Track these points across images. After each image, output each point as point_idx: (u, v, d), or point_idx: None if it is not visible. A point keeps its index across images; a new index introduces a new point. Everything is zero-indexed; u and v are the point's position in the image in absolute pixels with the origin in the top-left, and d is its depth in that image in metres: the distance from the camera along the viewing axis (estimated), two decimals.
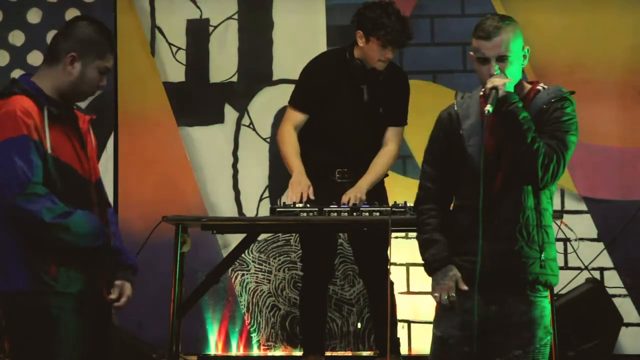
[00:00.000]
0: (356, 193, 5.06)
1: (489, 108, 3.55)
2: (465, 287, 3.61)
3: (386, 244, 4.86)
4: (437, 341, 3.68)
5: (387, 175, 5.33)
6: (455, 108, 3.75)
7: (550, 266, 3.67)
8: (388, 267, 4.77)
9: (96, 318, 3.60)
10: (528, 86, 3.77)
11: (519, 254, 3.60)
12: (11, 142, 3.41)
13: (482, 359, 3.62)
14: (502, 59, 3.64)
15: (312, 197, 5.01)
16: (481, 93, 3.68)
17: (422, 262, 3.72)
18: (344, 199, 5.04)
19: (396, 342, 5.40)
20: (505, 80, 3.60)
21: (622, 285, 6.08)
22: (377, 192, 5.20)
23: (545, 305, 3.67)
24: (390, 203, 4.86)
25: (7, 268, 3.44)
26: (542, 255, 3.63)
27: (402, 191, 5.30)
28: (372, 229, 4.79)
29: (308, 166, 5.24)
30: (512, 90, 3.60)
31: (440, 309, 3.68)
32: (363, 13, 5.15)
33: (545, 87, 3.73)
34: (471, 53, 3.72)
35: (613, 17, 6.17)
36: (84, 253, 3.50)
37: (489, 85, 3.60)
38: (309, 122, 5.30)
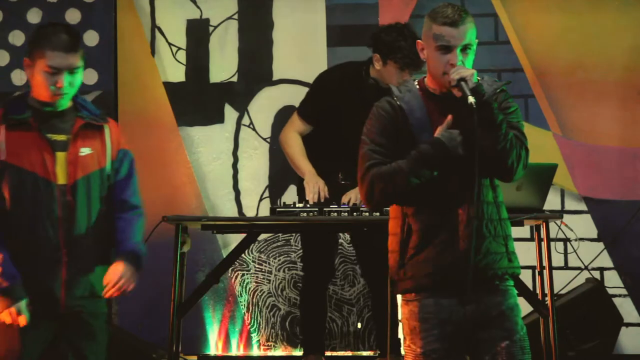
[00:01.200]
0: (357, 194, 5.06)
1: (473, 100, 3.36)
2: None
3: (377, 244, 4.86)
4: (419, 358, 3.50)
5: None
6: (397, 102, 3.53)
7: (515, 259, 3.57)
8: (389, 266, 4.75)
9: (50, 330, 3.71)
10: None
11: (488, 251, 3.48)
12: None
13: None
14: (466, 48, 3.47)
15: (327, 195, 5.02)
16: (417, 85, 3.54)
17: (424, 159, 3.43)
18: (344, 198, 5.05)
19: (397, 343, 5.40)
20: (472, 71, 3.43)
21: (622, 285, 6.09)
22: None
23: (514, 293, 3.56)
24: None
25: None
26: (508, 247, 3.53)
27: None
28: (374, 229, 4.79)
29: (316, 162, 5.26)
30: (477, 80, 3.43)
31: (414, 321, 3.51)
32: (379, 36, 5.10)
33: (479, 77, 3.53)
34: (419, 41, 3.54)
35: (613, 17, 6.17)
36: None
37: (455, 75, 3.41)
38: (316, 131, 5.31)
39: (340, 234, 5.83)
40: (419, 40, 3.56)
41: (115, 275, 3.79)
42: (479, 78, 3.47)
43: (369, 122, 3.58)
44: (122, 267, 3.82)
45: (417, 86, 3.56)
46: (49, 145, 3.73)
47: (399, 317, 5.48)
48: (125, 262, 3.83)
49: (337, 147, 5.24)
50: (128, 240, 3.88)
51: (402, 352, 5.56)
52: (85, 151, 3.79)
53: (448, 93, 3.49)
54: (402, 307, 3.58)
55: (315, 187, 5.06)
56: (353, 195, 5.06)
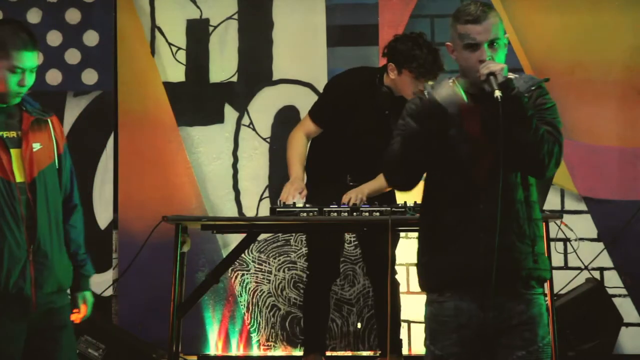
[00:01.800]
0: (357, 194, 5.06)
1: (499, 94, 3.35)
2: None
3: (392, 243, 4.87)
4: (436, 359, 3.51)
5: None
6: (433, 96, 3.50)
7: (542, 260, 3.52)
8: (389, 266, 4.76)
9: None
10: None
11: (511, 249, 3.44)
12: None
13: None
14: (493, 43, 3.46)
15: (302, 199, 5.00)
16: (451, 82, 3.53)
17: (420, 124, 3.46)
18: (345, 198, 5.05)
19: (399, 343, 5.40)
20: (502, 65, 3.43)
21: (622, 285, 6.08)
22: (387, 195, 5.19)
23: (542, 302, 3.53)
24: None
25: None
26: (535, 249, 3.48)
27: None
28: (380, 229, 4.79)
29: (321, 169, 5.26)
30: (507, 74, 3.43)
31: (435, 324, 3.52)
32: (394, 46, 5.10)
33: (513, 74, 3.54)
34: (449, 43, 3.54)
35: (613, 17, 6.17)
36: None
37: (484, 70, 3.41)
38: (326, 133, 5.31)
39: (346, 235, 5.83)
40: (448, 43, 3.56)
41: (86, 310, 3.91)
42: (515, 75, 3.49)
43: (400, 119, 3.59)
44: (90, 298, 3.93)
45: (452, 84, 3.56)
46: (3, 143, 3.69)
47: (401, 317, 5.52)
48: (88, 291, 3.94)
49: (346, 150, 5.25)
50: (81, 256, 3.93)
51: (403, 352, 5.60)
52: (36, 146, 3.74)
53: (480, 91, 3.48)
54: (425, 306, 3.58)
55: (289, 188, 5.05)
56: (353, 195, 5.06)
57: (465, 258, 3.45)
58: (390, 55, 5.11)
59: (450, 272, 3.48)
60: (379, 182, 5.14)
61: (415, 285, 5.80)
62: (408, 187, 3.62)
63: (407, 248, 5.53)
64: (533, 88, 3.54)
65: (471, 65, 3.47)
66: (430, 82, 3.66)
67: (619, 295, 6.03)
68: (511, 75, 3.47)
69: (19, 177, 3.68)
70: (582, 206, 6.15)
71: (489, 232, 3.40)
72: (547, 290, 4.78)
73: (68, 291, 3.90)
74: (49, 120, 3.82)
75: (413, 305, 5.69)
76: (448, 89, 3.54)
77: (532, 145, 3.42)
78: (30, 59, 3.69)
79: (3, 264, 3.65)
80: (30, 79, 3.72)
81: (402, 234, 5.49)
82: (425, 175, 3.58)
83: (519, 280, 3.47)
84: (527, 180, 3.53)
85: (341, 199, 5.04)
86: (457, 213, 3.46)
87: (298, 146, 5.26)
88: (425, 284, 3.58)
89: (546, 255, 3.57)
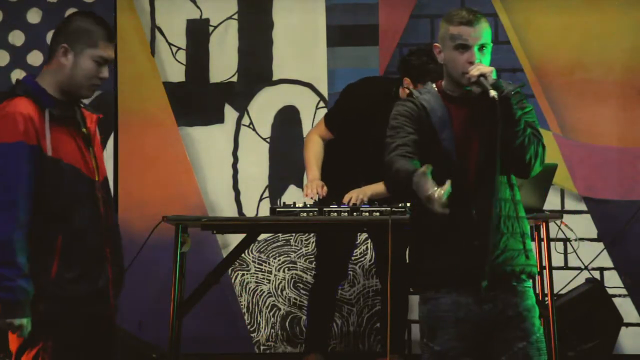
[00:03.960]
0: (358, 194, 5.05)
1: (495, 94, 3.44)
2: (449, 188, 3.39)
3: (396, 244, 4.87)
4: (435, 356, 3.56)
5: None
6: (419, 101, 3.62)
7: (532, 257, 3.63)
8: (389, 266, 4.75)
9: (100, 325, 3.56)
10: None
11: (506, 247, 3.55)
12: (3, 149, 3.38)
13: None
14: (482, 47, 3.58)
15: (324, 194, 5.01)
16: (435, 88, 3.63)
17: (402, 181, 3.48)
18: (345, 198, 5.03)
19: (402, 343, 5.40)
20: (491, 68, 3.53)
21: (622, 285, 6.08)
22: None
23: (531, 294, 3.63)
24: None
25: None
26: (525, 246, 3.59)
27: None
28: (376, 229, 4.78)
29: (334, 176, 5.26)
30: (496, 77, 3.51)
31: (432, 320, 3.56)
32: (409, 60, 5.07)
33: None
34: (437, 44, 3.63)
35: (613, 17, 6.17)
36: (86, 252, 3.48)
37: (475, 72, 3.50)
38: (339, 141, 5.31)
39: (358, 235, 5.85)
40: (435, 44, 3.65)
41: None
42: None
43: (393, 120, 3.66)
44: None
45: (436, 89, 3.66)
46: (83, 140, 3.56)
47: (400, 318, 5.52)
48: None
49: (359, 160, 5.25)
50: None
51: (407, 352, 5.61)
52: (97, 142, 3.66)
53: (466, 94, 3.59)
54: (420, 305, 3.63)
55: (312, 185, 5.06)
56: (354, 195, 5.05)
57: (460, 257, 3.52)
58: (405, 70, 5.10)
59: (445, 271, 3.55)
60: (382, 186, 5.14)
61: None
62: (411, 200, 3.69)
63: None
64: (513, 92, 3.59)
65: (459, 66, 3.57)
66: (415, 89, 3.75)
67: (619, 295, 6.03)
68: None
69: (96, 176, 3.56)
70: (582, 206, 6.15)
71: (482, 230, 3.51)
72: (547, 290, 4.80)
73: None
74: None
75: (413, 305, 5.70)
76: (433, 95, 3.63)
77: (520, 146, 3.51)
78: (112, 52, 3.57)
79: (91, 264, 3.50)
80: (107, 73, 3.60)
81: None
82: None
83: (513, 276, 3.57)
84: (511, 180, 3.63)
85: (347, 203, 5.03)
86: (449, 213, 3.46)
87: (314, 148, 5.28)
88: (421, 283, 3.64)
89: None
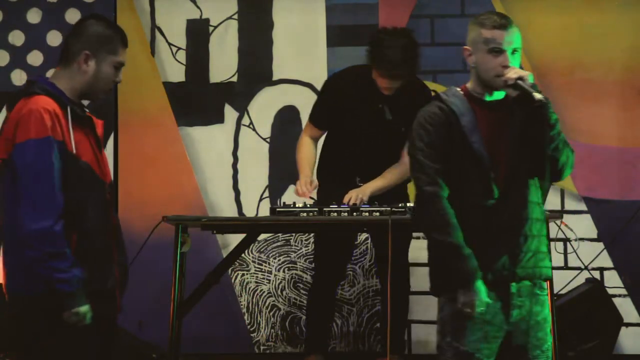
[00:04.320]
0: (358, 194, 5.05)
1: (541, 97, 3.50)
2: (489, 300, 3.56)
3: (405, 245, 4.85)
4: (463, 356, 3.60)
5: (409, 180, 5.34)
6: (447, 105, 3.66)
7: (550, 259, 3.73)
8: (389, 267, 4.75)
9: (107, 321, 3.60)
10: None
11: (536, 250, 3.63)
12: (33, 144, 3.41)
13: None
14: (514, 52, 3.64)
15: (313, 189, 5.01)
16: (462, 92, 3.67)
17: (451, 269, 3.57)
18: (345, 198, 5.04)
19: (402, 344, 5.40)
20: (528, 72, 3.59)
21: (622, 285, 6.08)
22: (398, 194, 5.18)
23: (547, 303, 3.71)
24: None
25: (25, 270, 3.43)
26: (548, 249, 3.70)
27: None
28: (377, 229, 4.78)
29: (331, 170, 5.26)
30: (532, 80, 3.57)
31: (459, 320, 3.60)
32: (370, 41, 5.10)
33: None
34: (466, 47, 3.67)
35: (613, 17, 6.17)
36: (97, 252, 3.52)
37: (513, 75, 3.56)
38: (331, 134, 5.33)
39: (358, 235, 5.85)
40: (465, 47, 3.69)
41: None
42: None
43: (420, 128, 3.67)
44: None
45: (461, 92, 3.70)
46: (96, 142, 3.61)
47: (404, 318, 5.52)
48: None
49: (351, 148, 5.25)
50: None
51: (411, 351, 5.61)
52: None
53: (494, 97, 3.66)
54: (443, 305, 3.66)
55: (303, 183, 5.06)
56: (353, 195, 5.05)
57: (488, 259, 3.57)
58: (367, 49, 5.11)
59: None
60: (383, 179, 5.14)
61: (415, 285, 5.83)
62: None
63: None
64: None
65: (493, 69, 3.61)
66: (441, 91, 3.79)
67: (619, 295, 6.03)
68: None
69: (107, 178, 3.62)
70: (582, 206, 6.15)
71: (511, 233, 3.58)
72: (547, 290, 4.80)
73: None
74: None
75: (413, 305, 5.70)
76: (459, 98, 3.68)
77: (555, 149, 3.58)
78: (126, 57, 3.66)
79: (101, 263, 3.55)
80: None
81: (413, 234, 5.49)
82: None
83: (536, 279, 3.65)
84: (539, 183, 3.68)
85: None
86: (478, 216, 3.58)
87: (305, 150, 5.29)
88: (447, 285, 3.64)
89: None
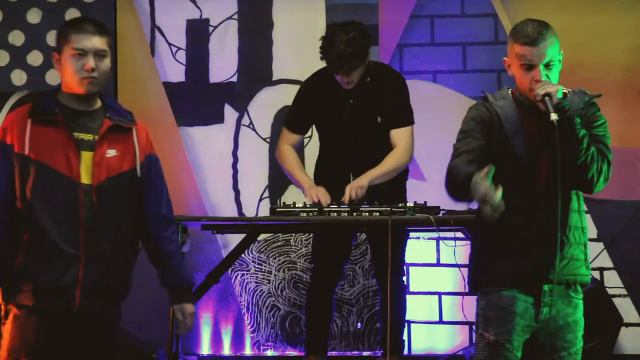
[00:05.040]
0: (354, 186, 5.01)
1: (555, 117, 3.51)
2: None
3: (402, 245, 4.86)
4: (492, 345, 3.65)
5: (407, 178, 5.33)
6: (493, 107, 3.71)
7: (589, 267, 3.78)
8: (389, 267, 4.75)
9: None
10: None
11: (572, 257, 3.67)
12: None
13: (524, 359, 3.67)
14: (548, 65, 3.65)
15: (328, 201, 4.98)
16: (511, 94, 3.70)
17: (469, 190, 3.51)
18: (345, 198, 4.99)
19: (401, 344, 5.39)
20: (557, 87, 3.60)
21: (622, 285, 6.09)
22: (396, 193, 5.18)
23: (582, 307, 3.77)
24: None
25: None
26: (586, 256, 3.75)
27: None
28: (376, 229, 4.78)
29: (324, 171, 5.26)
30: (561, 96, 3.58)
31: (490, 311, 3.65)
32: (320, 40, 5.15)
33: (567, 89, 3.71)
34: (506, 58, 3.72)
35: (613, 17, 6.17)
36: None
37: (541, 91, 3.57)
38: (320, 137, 5.35)
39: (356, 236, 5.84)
40: (505, 58, 3.73)
41: (192, 320, 3.93)
42: (568, 90, 3.66)
43: (463, 122, 3.74)
44: (193, 309, 3.95)
45: (511, 95, 3.73)
46: (75, 143, 3.67)
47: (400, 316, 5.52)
48: (191, 302, 3.94)
49: (337, 148, 5.25)
50: (183, 269, 3.95)
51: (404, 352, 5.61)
52: (111, 152, 3.71)
53: (536, 104, 3.66)
54: (479, 300, 3.72)
55: (315, 197, 5.03)
56: (352, 192, 4.99)
57: (527, 261, 3.62)
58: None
59: (511, 274, 3.65)
60: (378, 169, 5.11)
61: (415, 285, 5.84)
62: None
63: (407, 248, 5.53)
64: (586, 103, 3.71)
65: (527, 83, 3.65)
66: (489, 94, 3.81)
67: (619, 295, 6.03)
68: (565, 90, 3.64)
69: (85, 179, 3.66)
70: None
71: (549, 238, 3.61)
72: None
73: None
74: (133, 129, 3.79)
75: (413, 306, 5.70)
76: (507, 101, 3.71)
77: (582, 165, 3.59)
78: (91, 41, 3.70)
79: (52, 259, 3.62)
80: (96, 63, 3.70)
81: (412, 235, 5.49)
82: None
83: (573, 284, 3.72)
84: (579, 192, 3.74)
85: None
86: (518, 219, 3.62)
87: (290, 157, 5.28)
88: (484, 282, 3.71)
89: None
